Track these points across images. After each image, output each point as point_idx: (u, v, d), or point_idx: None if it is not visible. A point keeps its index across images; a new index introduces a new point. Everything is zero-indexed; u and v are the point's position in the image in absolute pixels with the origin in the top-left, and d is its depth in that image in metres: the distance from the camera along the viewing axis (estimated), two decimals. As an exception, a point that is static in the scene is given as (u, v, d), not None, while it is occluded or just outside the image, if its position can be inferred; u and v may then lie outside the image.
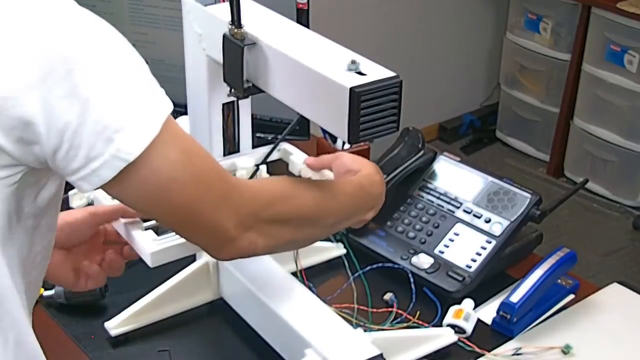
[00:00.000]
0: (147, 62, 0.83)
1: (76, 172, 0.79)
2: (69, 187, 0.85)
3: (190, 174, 0.84)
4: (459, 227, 1.38)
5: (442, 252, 1.35)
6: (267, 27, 1.10)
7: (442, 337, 1.21)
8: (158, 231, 1.07)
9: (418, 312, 1.28)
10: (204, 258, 1.26)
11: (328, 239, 1.42)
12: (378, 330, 1.23)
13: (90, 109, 0.76)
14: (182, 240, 1.02)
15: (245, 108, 1.23)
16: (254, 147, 1.27)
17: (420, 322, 1.26)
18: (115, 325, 1.21)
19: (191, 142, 0.86)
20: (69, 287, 1.09)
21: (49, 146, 0.77)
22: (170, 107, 0.83)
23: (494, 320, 1.27)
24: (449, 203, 1.41)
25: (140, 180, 0.81)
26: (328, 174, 1.19)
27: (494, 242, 1.34)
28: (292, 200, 0.97)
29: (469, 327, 1.23)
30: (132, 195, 0.83)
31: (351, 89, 0.94)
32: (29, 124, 0.75)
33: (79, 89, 0.76)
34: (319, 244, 1.39)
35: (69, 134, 0.76)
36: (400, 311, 1.28)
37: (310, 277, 1.33)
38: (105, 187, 0.80)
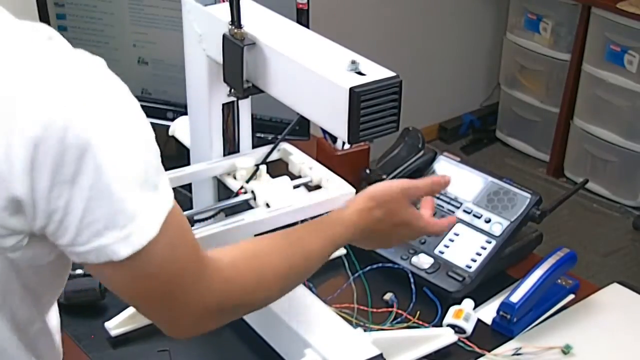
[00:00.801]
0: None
1: (61, 245, 0.78)
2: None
3: (171, 271, 0.82)
4: (459, 227, 1.38)
5: (442, 252, 1.35)
6: (267, 27, 1.10)
7: (442, 337, 1.21)
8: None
9: (418, 312, 1.28)
10: (204, 258, 1.26)
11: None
12: (378, 330, 1.23)
13: (83, 200, 0.73)
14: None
15: (245, 108, 1.23)
16: (254, 147, 1.27)
17: (420, 322, 1.26)
18: (115, 325, 1.21)
19: (180, 235, 0.82)
20: None
21: (35, 224, 0.75)
22: (170, 202, 0.80)
23: (494, 320, 1.27)
24: (449, 203, 1.41)
25: (119, 272, 0.79)
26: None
27: (494, 242, 1.34)
28: (259, 292, 0.94)
29: (469, 327, 1.23)
30: (106, 278, 0.82)
31: (351, 89, 0.94)
32: (19, 202, 0.73)
33: (75, 178, 0.72)
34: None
35: (57, 217, 0.74)
36: (400, 311, 1.28)
37: (310, 277, 1.32)
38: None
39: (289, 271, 0.98)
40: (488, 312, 1.29)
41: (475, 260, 1.33)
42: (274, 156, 1.24)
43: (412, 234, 1.10)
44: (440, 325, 1.25)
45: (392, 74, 0.97)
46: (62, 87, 0.72)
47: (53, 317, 0.95)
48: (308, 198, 1.14)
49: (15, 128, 0.70)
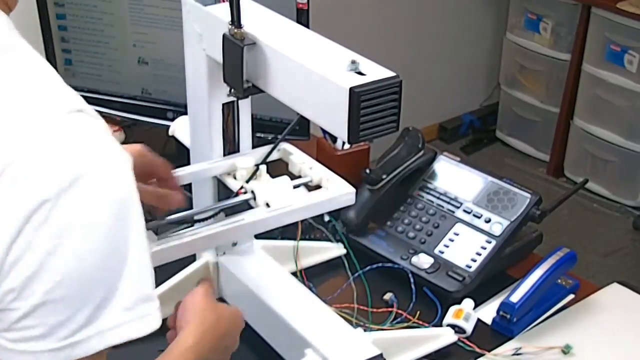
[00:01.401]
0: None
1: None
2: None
3: None
4: (459, 227, 1.38)
5: (442, 252, 1.35)
6: (267, 27, 1.10)
7: (442, 337, 1.21)
8: (157, 231, 1.07)
9: (418, 312, 1.28)
10: (204, 258, 1.26)
11: (328, 239, 1.42)
12: (378, 330, 1.23)
13: (34, 301, 0.67)
14: (182, 240, 1.02)
15: (245, 108, 1.23)
16: (254, 147, 1.27)
17: (420, 322, 1.26)
18: (115, 325, 1.21)
19: None
20: None
21: None
22: (144, 330, 0.75)
23: (494, 320, 1.27)
24: (449, 203, 1.41)
25: None
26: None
27: (494, 242, 1.34)
28: None
29: (469, 327, 1.23)
30: None
31: (351, 89, 0.94)
32: None
33: (38, 268, 0.66)
34: (318, 243, 1.40)
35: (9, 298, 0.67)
36: (400, 311, 1.28)
37: (310, 277, 1.33)
38: None
39: None
40: (488, 312, 1.29)
41: (475, 260, 1.33)
42: (274, 156, 1.24)
43: (234, 321, 1.05)
44: (440, 325, 1.25)
45: (392, 74, 0.97)
46: (61, 177, 0.65)
47: None
48: (308, 198, 1.14)
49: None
